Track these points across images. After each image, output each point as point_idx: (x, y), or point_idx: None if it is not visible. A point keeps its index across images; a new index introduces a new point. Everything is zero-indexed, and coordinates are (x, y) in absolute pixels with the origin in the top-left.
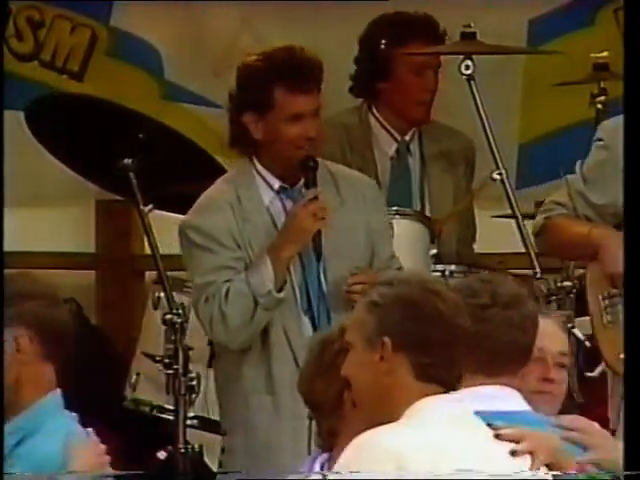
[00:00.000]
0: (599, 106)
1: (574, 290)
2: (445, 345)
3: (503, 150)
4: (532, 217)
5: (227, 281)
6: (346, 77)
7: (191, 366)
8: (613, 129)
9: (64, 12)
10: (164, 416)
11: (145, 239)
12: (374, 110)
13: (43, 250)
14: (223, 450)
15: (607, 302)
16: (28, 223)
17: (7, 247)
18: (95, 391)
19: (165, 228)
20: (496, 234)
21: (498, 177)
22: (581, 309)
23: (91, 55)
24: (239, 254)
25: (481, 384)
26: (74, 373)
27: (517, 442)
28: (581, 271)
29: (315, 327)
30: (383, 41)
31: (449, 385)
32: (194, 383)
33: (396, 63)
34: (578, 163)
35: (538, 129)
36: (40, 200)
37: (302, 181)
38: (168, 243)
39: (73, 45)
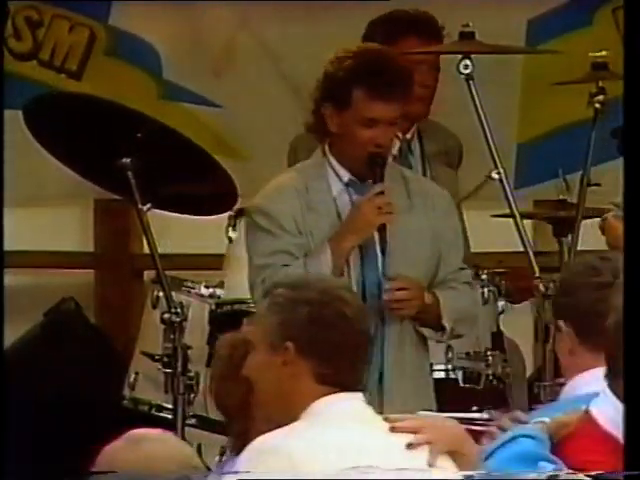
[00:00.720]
0: (597, 105)
1: None
2: (348, 350)
3: (502, 149)
4: (530, 216)
5: (285, 266)
6: None
7: (190, 365)
8: None
9: (63, 12)
10: (163, 415)
11: (144, 238)
12: None
13: (42, 249)
14: None
15: None
16: (27, 222)
17: (6, 246)
18: (94, 390)
19: (164, 227)
20: (495, 233)
21: (497, 176)
22: None
23: (90, 54)
24: (300, 240)
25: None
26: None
27: (415, 433)
28: None
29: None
30: (376, 40)
31: (351, 388)
32: (193, 382)
33: None
34: None
35: (537, 128)
36: (39, 199)
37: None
38: (167, 242)
39: (72, 44)
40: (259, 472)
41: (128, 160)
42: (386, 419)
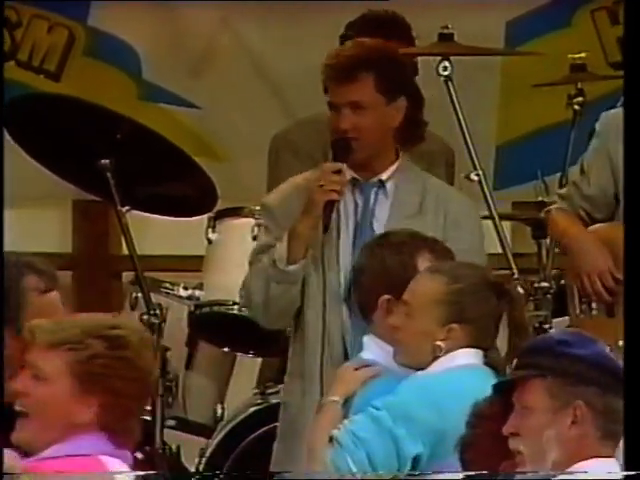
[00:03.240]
0: (576, 107)
1: (551, 291)
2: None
3: (481, 151)
4: (509, 218)
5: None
6: None
7: (169, 367)
8: (607, 119)
9: (41, 12)
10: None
11: (123, 240)
12: None
13: (19, 250)
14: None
15: (583, 299)
16: (5, 223)
17: None
18: None
19: (142, 229)
20: None
21: (476, 178)
22: (558, 310)
23: (68, 55)
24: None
25: None
26: None
27: None
28: (558, 272)
29: (351, 315)
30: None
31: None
32: (172, 384)
33: None
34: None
35: (515, 130)
36: (17, 200)
37: (376, 178)
38: (145, 244)
39: (50, 45)
40: None
41: (107, 161)
42: None
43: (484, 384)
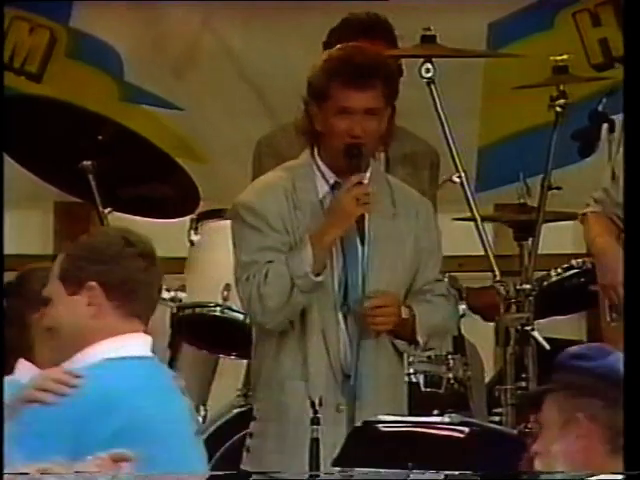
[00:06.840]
0: (558, 109)
1: (533, 293)
2: None
3: (463, 153)
4: (491, 220)
5: (269, 262)
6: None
7: None
8: None
9: (23, 13)
10: None
11: None
12: None
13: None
14: (251, 435)
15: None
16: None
17: None
18: None
19: None
20: (456, 237)
21: (458, 180)
22: (540, 312)
23: (50, 56)
24: (287, 239)
25: None
26: None
27: None
28: (540, 274)
29: (346, 323)
30: (333, 46)
31: None
32: None
33: None
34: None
35: (498, 132)
36: None
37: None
38: None
39: (32, 46)
40: None
41: (89, 163)
42: None
43: None
